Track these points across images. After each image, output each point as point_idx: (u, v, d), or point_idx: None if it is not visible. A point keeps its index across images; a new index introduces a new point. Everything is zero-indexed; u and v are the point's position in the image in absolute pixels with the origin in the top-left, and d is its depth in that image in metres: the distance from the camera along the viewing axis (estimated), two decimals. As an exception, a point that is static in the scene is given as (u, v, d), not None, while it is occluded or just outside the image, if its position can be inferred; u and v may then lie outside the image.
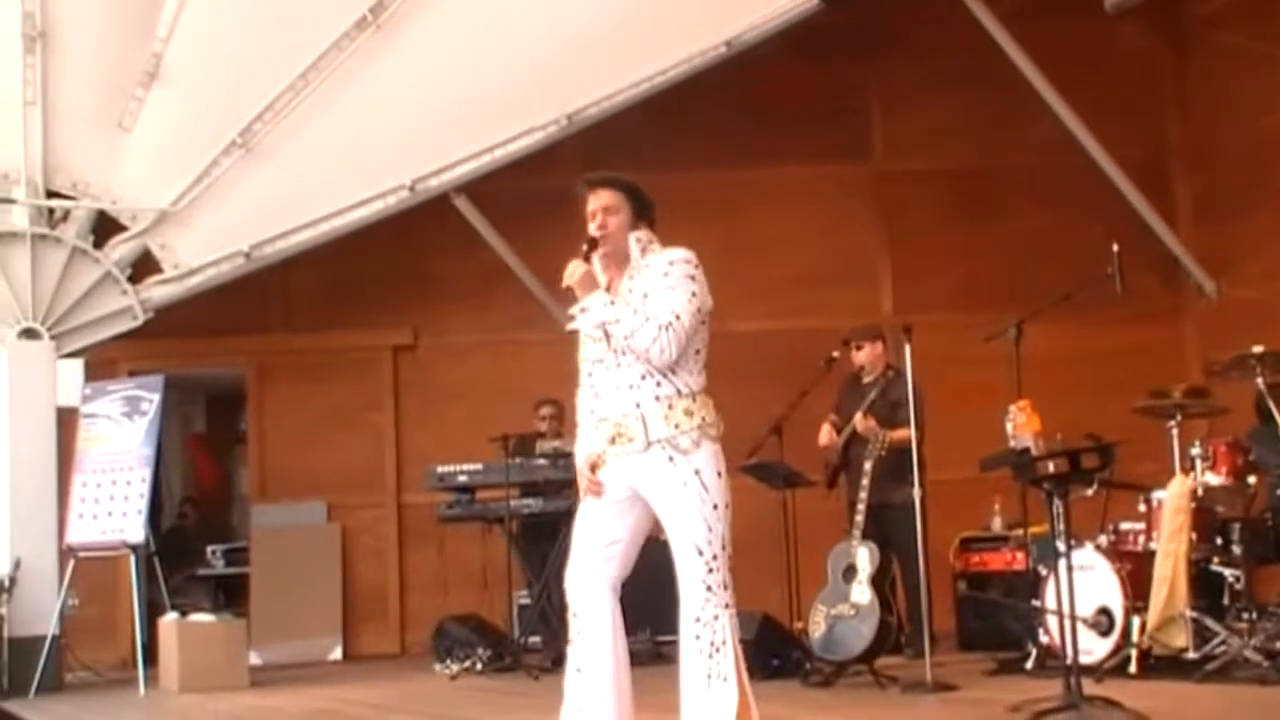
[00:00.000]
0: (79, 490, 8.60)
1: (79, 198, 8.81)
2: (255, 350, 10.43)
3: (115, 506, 8.45)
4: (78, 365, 8.82)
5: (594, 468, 4.03)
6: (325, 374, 10.30)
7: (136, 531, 8.33)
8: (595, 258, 4.04)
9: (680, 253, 4.00)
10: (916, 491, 6.33)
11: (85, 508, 8.54)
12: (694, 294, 3.94)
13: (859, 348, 7.64)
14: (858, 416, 7.21)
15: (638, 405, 3.93)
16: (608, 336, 3.97)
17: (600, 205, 4.03)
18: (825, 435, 7.57)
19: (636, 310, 3.91)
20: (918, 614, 7.02)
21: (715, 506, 3.87)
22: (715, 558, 3.84)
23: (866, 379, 7.62)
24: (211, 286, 9.20)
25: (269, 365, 10.45)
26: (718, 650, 3.82)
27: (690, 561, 3.85)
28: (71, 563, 8.43)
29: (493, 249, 9.66)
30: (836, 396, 7.78)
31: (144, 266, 9.09)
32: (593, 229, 4.02)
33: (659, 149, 9.94)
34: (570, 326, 3.96)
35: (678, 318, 3.89)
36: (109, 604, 9.63)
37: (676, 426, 3.90)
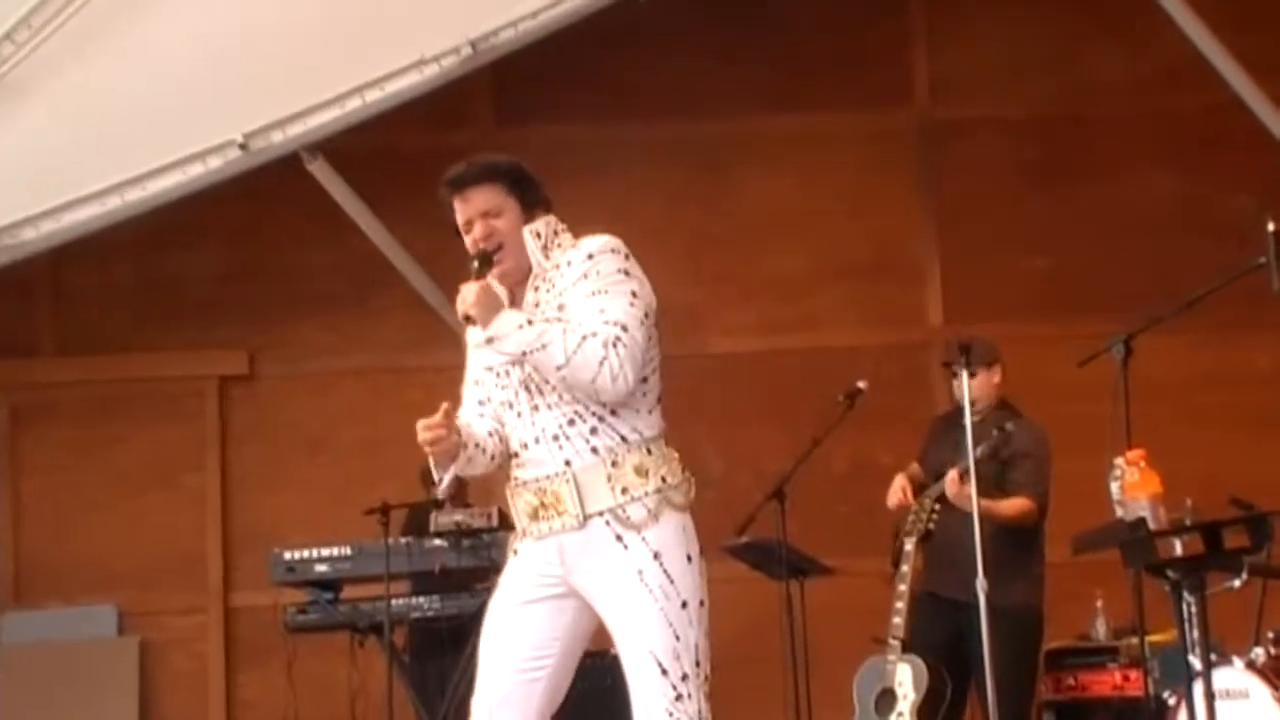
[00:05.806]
0: None
1: None
2: (10, 383, 10.39)
3: None
4: None
5: (446, 414, 4.11)
6: (118, 417, 10.28)
7: None
8: (492, 276, 4.19)
9: (600, 240, 4.16)
10: (981, 583, 6.37)
11: None
12: (635, 295, 4.08)
13: (972, 375, 7.58)
14: (951, 475, 7.13)
15: (567, 464, 4.10)
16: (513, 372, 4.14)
17: (476, 211, 4.21)
18: (896, 494, 7.56)
19: (565, 327, 3.99)
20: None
21: (685, 604, 4.00)
22: (686, 678, 3.98)
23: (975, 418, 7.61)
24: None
25: (30, 405, 10.43)
26: (692, 815, 3.95)
27: (649, 683, 3.98)
28: None
29: (366, 236, 9.65)
30: (923, 441, 7.82)
31: None
32: (469, 242, 4.20)
33: (608, 93, 10.01)
34: (487, 365, 4.11)
35: (624, 328, 3.99)
36: None
37: (624, 491, 4.08)
